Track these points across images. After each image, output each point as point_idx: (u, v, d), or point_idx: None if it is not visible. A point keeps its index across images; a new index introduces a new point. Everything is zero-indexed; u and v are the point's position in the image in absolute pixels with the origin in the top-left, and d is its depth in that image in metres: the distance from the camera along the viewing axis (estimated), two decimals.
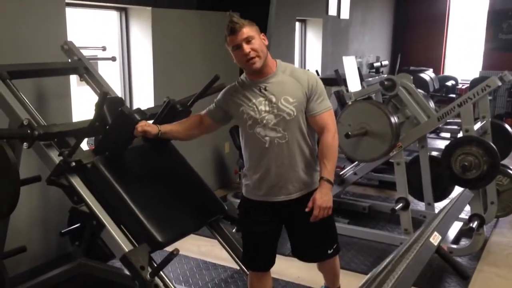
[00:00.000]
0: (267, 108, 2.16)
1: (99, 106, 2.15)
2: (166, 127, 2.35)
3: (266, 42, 2.18)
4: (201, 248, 3.66)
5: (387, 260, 2.12)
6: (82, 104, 3.81)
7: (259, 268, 2.41)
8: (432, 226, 1.88)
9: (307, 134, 2.22)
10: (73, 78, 3.61)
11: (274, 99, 2.15)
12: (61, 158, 2.30)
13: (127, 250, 2.19)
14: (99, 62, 3.88)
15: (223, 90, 2.33)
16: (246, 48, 2.08)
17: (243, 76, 2.26)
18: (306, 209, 2.10)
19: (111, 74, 4.15)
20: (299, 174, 2.23)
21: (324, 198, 2.09)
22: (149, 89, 4.20)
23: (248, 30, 2.09)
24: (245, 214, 2.39)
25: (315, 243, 2.37)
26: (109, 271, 3.22)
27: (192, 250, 3.61)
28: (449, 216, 2.03)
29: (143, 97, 4.24)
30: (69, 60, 3.04)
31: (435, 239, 1.80)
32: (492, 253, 3.65)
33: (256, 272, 2.42)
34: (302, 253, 2.46)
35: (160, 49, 4.18)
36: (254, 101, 2.17)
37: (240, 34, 2.07)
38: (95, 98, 3.07)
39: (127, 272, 3.15)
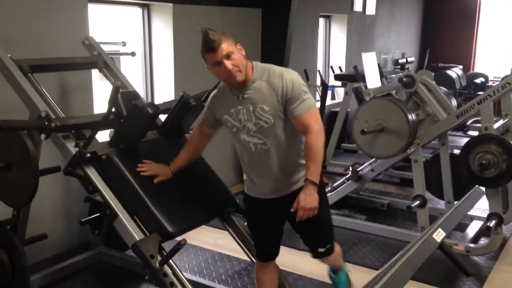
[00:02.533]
0: (246, 117, 2.17)
1: (111, 100, 2.21)
2: (176, 163, 2.41)
3: (243, 52, 2.15)
4: (217, 241, 3.72)
5: (396, 257, 2.13)
6: (104, 98, 3.90)
7: (261, 258, 2.47)
8: (438, 223, 1.88)
9: (290, 138, 2.20)
10: (96, 73, 3.71)
11: (251, 108, 2.15)
12: (77, 149, 2.38)
13: (138, 239, 2.25)
14: (122, 57, 3.97)
15: (210, 97, 2.33)
16: (228, 64, 2.05)
17: (222, 84, 2.26)
18: (291, 210, 2.11)
19: (133, 69, 4.24)
20: (286, 176, 2.26)
21: (307, 199, 2.08)
22: (170, 84, 4.28)
23: (227, 46, 2.06)
24: (247, 207, 2.48)
25: (307, 238, 2.42)
26: (127, 260, 3.31)
27: (208, 242, 3.67)
28: (456, 214, 2.03)
29: (164, 92, 4.32)
30: (90, 55, 3.12)
31: (439, 235, 1.80)
32: (510, 253, 3.59)
33: (260, 262, 2.48)
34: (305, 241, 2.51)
35: (181, 44, 4.25)
36: (233, 110, 2.19)
37: (219, 51, 2.04)
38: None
39: None
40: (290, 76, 2.15)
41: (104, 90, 3.95)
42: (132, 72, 4.18)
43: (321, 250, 2.40)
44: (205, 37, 2.05)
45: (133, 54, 3.45)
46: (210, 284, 3.00)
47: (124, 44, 3.45)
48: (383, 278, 1.66)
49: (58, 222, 3.48)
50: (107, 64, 3.04)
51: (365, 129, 3.32)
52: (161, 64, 4.30)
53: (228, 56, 2.06)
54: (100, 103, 3.74)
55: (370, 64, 4.10)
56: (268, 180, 2.27)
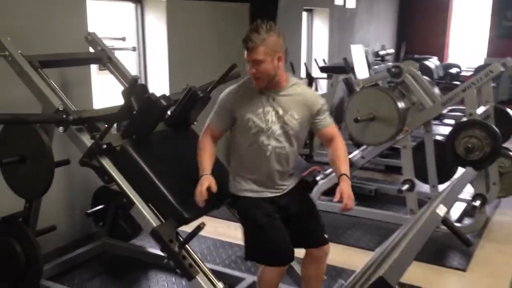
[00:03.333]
0: (274, 119, 2.26)
1: (129, 92, 2.31)
2: (209, 169, 2.36)
3: (281, 62, 2.23)
4: (218, 229, 3.85)
5: (394, 235, 2.31)
6: (101, 91, 3.97)
7: (282, 260, 2.32)
8: (439, 199, 2.06)
9: (300, 143, 2.42)
10: (93, 67, 3.78)
11: (281, 112, 2.26)
12: (92, 141, 2.48)
13: (155, 225, 2.37)
14: (116, 52, 4.04)
15: (226, 93, 2.33)
16: (252, 68, 2.18)
17: (248, 81, 2.30)
18: (334, 199, 2.26)
19: (127, 65, 4.31)
20: (290, 173, 2.43)
21: (350, 190, 2.27)
22: (164, 79, 4.37)
23: (260, 52, 2.14)
24: (251, 209, 2.34)
25: (313, 227, 2.44)
26: (131, 250, 3.42)
27: (209, 231, 3.79)
28: (454, 190, 2.21)
29: (159, 86, 4.40)
30: (93, 50, 3.20)
31: (441, 210, 1.97)
32: (494, 231, 3.84)
33: (279, 267, 2.32)
34: (304, 237, 2.44)
35: (175, 40, 4.34)
36: (261, 110, 2.26)
37: (251, 54, 2.16)
38: (117, 86, 3.27)
39: (148, 250, 3.38)
40: (320, 97, 2.43)
41: (102, 84, 4.03)
42: (127, 67, 4.24)
43: (326, 236, 2.49)
44: (248, 33, 2.17)
45: (133, 49, 3.53)
46: (216, 268, 3.13)
47: (124, 39, 3.53)
48: (396, 248, 1.82)
49: (61, 214, 3.55)
50: (110, 59, 3.13)
51: (358, 118, 3.50)
52: (155, 59, 4.38)
53: (255, 62, 2.16)
54: (99, 97, 3.81)
55: (358, 55, 4.27)
56: (274, 181, 2.36)
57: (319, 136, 2.44)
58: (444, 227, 2.01)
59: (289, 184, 2.43)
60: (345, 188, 2.26)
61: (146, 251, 3.38)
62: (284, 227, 2.32)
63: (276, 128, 2.27)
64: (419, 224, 1.90)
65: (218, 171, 2.77)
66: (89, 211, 3.41)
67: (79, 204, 3.64)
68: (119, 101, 3.07)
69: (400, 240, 1.95)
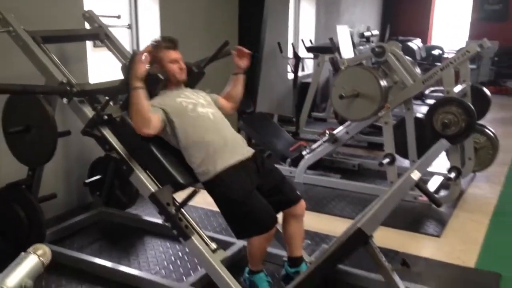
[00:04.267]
0: (194, 97, 2.67)
1: (129, 67, 2.47)
2: None
3: None
4: (207, 199, 3.98)
5: (374, 202, 2.52)
6: (96, 67, 4.11)
7: (272, 223, 2.47)
8: (414, 166, 2.27)
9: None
10: (89, 44, 3.92)
11: (195, 94, 2.72)
12: (93, 113, 2.64)
13: (153, 190, 2.56)
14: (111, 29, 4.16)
15: (154, 100, 2.61)
16: (182, 65, 2.71)
17: (160, 91, 2.69)
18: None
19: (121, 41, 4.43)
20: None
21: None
22: None
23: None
24: (230, 181, 2.48)
25: (287, 188, 2.65)
26: (127, 218, 3.61)
27: (199, 202, 3.94)
28: (428, 159, 2.43)
29: None
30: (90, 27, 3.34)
31: (415, 175, 2.19)
32: (468, 202, 4.10)
33: (269, 232, 2.46)
34: (282, 199, 2.61)
35: (167, 18, 4.48)
36: (183, 94, 2.67)
37: (177, 51, 2.71)
38: (111, 62, 3.42)
39: (144, 218, 3.57)
40: None
41: (96, 60, 4.16)
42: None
43: (298, 193, 2.71)
44: (168, 38, 2.75)
45: (129, 26, 3.67)
46: (209, 234, 3.32)
47: (119, 17, 3.66)
48: (376, 205, 2.04)
49: (60, 184, 3.71)
50: (108, 36, 3.27)
51: (343, 94, 3.70)
52: (148, 37, 4.52)
53: (181, 59, 2.72)
54: (94, 72, 3.95)
55: (344, 36, 4.45)
56: (232, 141, 2.60)
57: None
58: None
59: (246, 146, 2.67)
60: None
61: (141, 218, 3.57)
62: (259, 194, 2.50)
63: (202, 101, 2.67)
64: (396, 185, 2.12)
65: None
66: (87, 181, 3.58)
67: (76, 175, 3.81)
68: (113, 76, 3.23)
69: (381, 198, 2.17)
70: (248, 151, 2.65)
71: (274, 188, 2.60)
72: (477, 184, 4.55)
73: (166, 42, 2.71)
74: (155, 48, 2.67)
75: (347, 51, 4.36)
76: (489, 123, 4.92)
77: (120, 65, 3.18)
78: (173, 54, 2.69)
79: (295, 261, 2.70)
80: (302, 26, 7.48)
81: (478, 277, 2.92)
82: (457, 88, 3.91)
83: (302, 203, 2.66)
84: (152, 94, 2.68)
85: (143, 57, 2.44)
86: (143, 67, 2.43)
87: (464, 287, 2.81)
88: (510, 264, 3.09)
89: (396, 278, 2.30)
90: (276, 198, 2.58)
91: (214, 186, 2.53)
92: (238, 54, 2.82)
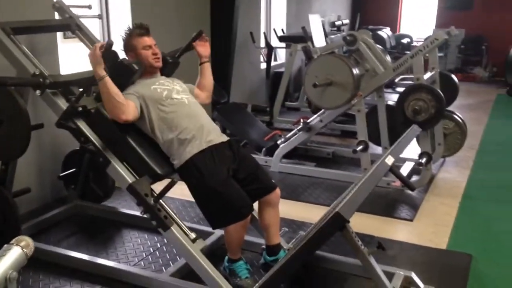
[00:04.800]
0: (170, 84, 2.69)
1: (105, 56, 2.44)
2: None
3: None
4: (184, 191, 3.96)
5: (349, 188, 2.57)
6: (66, 59, 4.03)
7: (247, 210, 2.51)
8: (388, 152, 2.33)
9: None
10: (59, 35, 3.85)
11: (170, 81, 2.73)
12: (67, 104, 2.61)
13: (131, 181, 2.55)
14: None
15: (129, 88, 2.63)
16: (156, 50, 2.70)
17: (136, 80, 2.69)
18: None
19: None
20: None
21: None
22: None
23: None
24: (209, 166, 2.50)
25: (262, 176, 2.69)
26: (103, 211, 3.58)
27: (176, 193, 3.92)
28: (401, 144, 2.49)
29: (122, 54, 4.48)
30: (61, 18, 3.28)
31: (389, 160, 2.24)
32: (438, 187, 4.22)
33: (244, 219, 2.49)
34: (258, 187, 2.64)
35: (138, 8, 4.43)
36: (158, 82, 2.68)
37: (151, 38, 2.70)
38: (85, 53, 3.36)
39: (120, 210, 3.55)
40: None
41: (68, 51, 4.09)
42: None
43: (273, 180, 2.77)
44: (139, 24, 2.74)
45: (99, 16, 3.61)
46: (187, 224, 3.33)
47: (89, 7, 3.60)
48: (352, 190, 2.09)
49: (32, 178, 3.65)
50: (79, 26, 3.22)
51: (317, 83, 3.74)
52: (119, 27, 4.45)
53: (155, 45, 2.73)
54: (64, 64, 3.88)
55: (316, 25, 4.48)
56: (208, 126, 2.64)
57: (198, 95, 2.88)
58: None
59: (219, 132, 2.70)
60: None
61: (118, 211, 3.55)
62: (235, 182, 2.53)
63: (177, 88, 2.70)
64: (371, 171, 2.17)
65: None
66: (61, 175, 3.54)
67: (49, 168, 3.75)
68: (85, 67, 3.18)
69: (357, 183, 2.22)
70: (223, 137, 2.68)
71: (249, 176, 2.63)
72: (447, 168, 4.68)
73: (138, 28, 2.71)
74: (128, 37, 2.68)
75: (319, 40, 4.40)
76: (457, 109, 5.06)
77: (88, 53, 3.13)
78: (146, 40, 2.69)
79: (273, 249, 2.72)
80: (274, 15, 7.48)
81: (450, 258, 3.02)
82: (426, 76, 4.00)
83: (277, 191, 2.71)
84: (127, 85, 2.67)
85: (96, 48, 2.43)
86: (98, 55, 2.42)
87: (437, 268, 2.89)
88: (480, 245, 3.21)
89: (373, 262, 2.36)
90: (252, 186, 2.62)
91: (189, 171, 2.55)
92: (198, 44, 2.87)
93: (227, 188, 2.47)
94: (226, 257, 2.70)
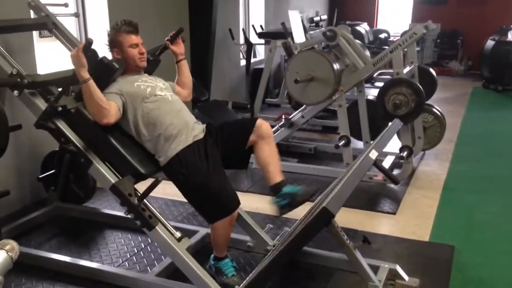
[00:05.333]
0: (153, 82, 2.68)
1: (85, 54, 2.39)
2: None
3: None
4: (166, 190, 3.94)
5: (333, 183, 2.58)
6: (42, 58, 3.95)
7: (235, 205, 2.50)
8: (372, 146, 2.35)
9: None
10: (35, 34, 3.77)
11: (153, 78, 2.72)
12: (46, 104, 2.55)
13: (114, 181, 2.51)
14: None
15: (111, 86, 2.60)
16: (142, 49, 2.68)
17: (120, 76, 2.66)
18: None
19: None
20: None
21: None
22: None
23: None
24: (193, 163, 2.50)
25: (239, 120, 2.86)
26: (85, 212, 3.53)
27: (158, 192, 3.88)
28: (384, 138, 2.51)
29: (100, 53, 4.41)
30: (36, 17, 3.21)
31: (373, 154, 2.26)
32: (419, 179, 4.27)
33: (233, 212, 2.49)
34: (242, 134, 2.65)
35: (116, 5, 4.37)
36: (141, 79, 2.66)
37: (138, 37, 2.68)
38: (63, 52, 3.30)
39: (103, 211, 3.51)
40: None
41: (45, 51, 4.01)
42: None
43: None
44: (128, 22, 2.68)
45: (76, 14, 3.55)
46: (171, 223, 3.30)
47: (66, 5, 3.53)
48: (338, 185, 2.10)
49: (11, 180, 3.57)
50: (56, 25, 3.15)
51: (298, 79, 3.74)
52: (97, 25, 4.39)
53: (142, 44, 2.71)
54: (41, 64, 3.81)
55: (295, 21, 4.48)
56: (192, 122, 2.65)
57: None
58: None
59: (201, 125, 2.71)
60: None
61: (100, 212, 3.50)
62: (222, 170, 2.54)
63: (160, 85, 2.69)
64: (355, 165, 2.18)
65: None
66: (40, 176, 3.47)
67: (28, 170, 3.68)
68: (62, 67, 3.12)
69: (342, 178, 2.22)
70: (204, 131, 2.68)
71: (232, 133, 2.66)
72: (427, 161, 4.74)
73: (127, 25, 2.66)
74: (115, 32, 2.64)
75: (299, 36, 4.40)
76: (435, 102, 5.13)
77: (70, 54, 3.07)
78: (134, 39, 2.66)
79: (278, 187, 2.61)
80: (252, 12, 7.47)
81: (433, 250, 3.06)
82: (406, 69, 4.04)
83: (261, 122, 2.64)
84: (108, 84, 2.63)
85: (79, 50, 2.37)
86: (81, 57, 2.36)
87: (420, 260, 2.93)
88: (461, 236, 3.26)
89: (359, 256, 2.38)
90: (239, 138, 2.63)
91: (175, 168, 2.54)
92: (171, 42, 2.86)
93: (212, 183, 2.45)
94: (212, 255, 2.69)
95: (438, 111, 4.64)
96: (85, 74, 2.38)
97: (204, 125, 2.75)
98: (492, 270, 2.86)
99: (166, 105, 2.60)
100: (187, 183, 2.51)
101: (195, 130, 2.63)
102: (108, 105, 2.45)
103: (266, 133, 2.64)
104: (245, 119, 2.74)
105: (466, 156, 4.98)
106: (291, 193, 2.56)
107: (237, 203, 2.53)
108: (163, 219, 2.57)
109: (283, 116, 4.48)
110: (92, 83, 2.39)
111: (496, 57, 8.38)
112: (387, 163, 4.44)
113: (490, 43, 8.56)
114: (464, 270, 2.84)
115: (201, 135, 2.64)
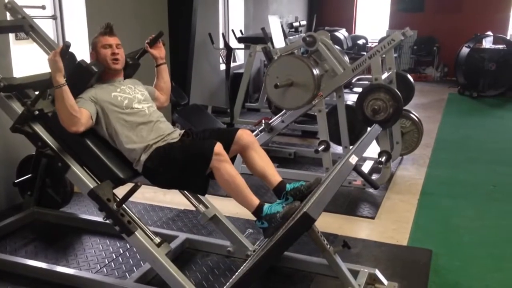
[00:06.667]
0: (131, 92, 2.66)
1: (63, 58, 2.36)
2: None
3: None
4: (145, 195, 3.97)
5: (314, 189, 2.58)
6: (18, 61, 3.88)
7: (214, 142, 2.41)
8: (351, 151, 2.36)
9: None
10: (11, 36, 3.70)
11: (132, 87, 2.70)
12: (23, 108, 2.50)
13: (92, 186, 2.47)
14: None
15: (87, 92, 2.57)
16: (116, 50, 2.63)
17: (95, 83, 2.64)
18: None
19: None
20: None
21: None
22: (85, 48, 4.33)
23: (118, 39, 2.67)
24: (174, 148, 2.54)
25: (221, 129, 2.82)
26: (62, 217, 3.47)
27: (138, 197, 3.88)
28: (363, 144, 2.53)
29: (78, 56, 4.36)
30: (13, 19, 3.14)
31: (353, 159, 2.27)
32: (397, 184, 4.32)
33: (214, 152, 2.36)
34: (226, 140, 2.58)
35: (94, 8, 4.32)
36: (120, 88, 2.63)
37: (115, 37, 2.66)
38: (40, 55, 3.25)
39: (80, 216, 3.45)
40: None
41: (21, 53, 3.94)
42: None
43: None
44: (107, 24, 2.68)
45: (53, 17, 3.50)
46: (151, 228, 3.27)
47: (43, 7, 3.47)
48: (318, 190, 2.10)
49: None
50: (33, 27, 3.10)
51: (278, 84, 3.76)
52: (74, 28, 4.33)
53: (118, 46, 2.68)
54: (17, 67, 3.74)
55: (275, 26, 4.50)
56: (168, 132, 2.66)
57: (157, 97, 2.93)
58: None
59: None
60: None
61: (78, 217, 3.44)
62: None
63: (138, 96, 2.68)
64: (336, 170, 2.19)
65: None
66: (16, 181, 3.40)
67: (3, 175, 3.61)
68: (38, 70, 3.07)
69: (323, 183, 2.23)
70: (180, 134, 2.70)
71: (215, 137, 2.57)
72: (405, 166, 4.80)
73: (103, 27, 2.67)
74: (96, 35, 2.66)
75: (279, 41, 4.42)
76: (413, 108, 5.20)
77: (47, 57, 3.03)
78: (108, 39, 2.64)
79: (280, 188, 2.58)
80: (232, 17, 7.47)
81: (411, 254, 3.10)
82: (384, 75, 4.09)
83: (242, 131, 2.62)
84: (84, 88, 2.60)
85: (56, 53, 2.33)
86: (58, 61, 2.32)
87: (399, 264, 2.95)
88: (439, 240, 3.30)
89: (339, 260, 2.39)
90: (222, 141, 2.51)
91: (153, 162, 2.51)
92: (151, 46, 2.85)
93: (187, 151, 2.47)
94: (254, 220, 2.46)
95: (416, 116, 4.70)
96: (60, 79, 2.34)
97: (182, 130, 2.76)
98: (469, 274, 2.90)
99: (142, 118, 2.60)
100: (167, 166, 2.48)
101: (171, 136, 2.65)
102: (79, 113, 2.42)
103: (250, 141, 2.62)
104: (227, 128, 2.72)
105: (443, 161, 5.06)
106: (269, 214, 2.38)
107: (214, 142, 2.39)
108: (142, 224, 2.55)
109: (263, 121, 4.48)
110: (66, 89, 2.36)
111: (471, 64, 8.55)
112: (366, 168, 4.49)
113: (465, 50, 8.73)
114: (441, 274, 2.87)
115: (177, 139, 2.66)
